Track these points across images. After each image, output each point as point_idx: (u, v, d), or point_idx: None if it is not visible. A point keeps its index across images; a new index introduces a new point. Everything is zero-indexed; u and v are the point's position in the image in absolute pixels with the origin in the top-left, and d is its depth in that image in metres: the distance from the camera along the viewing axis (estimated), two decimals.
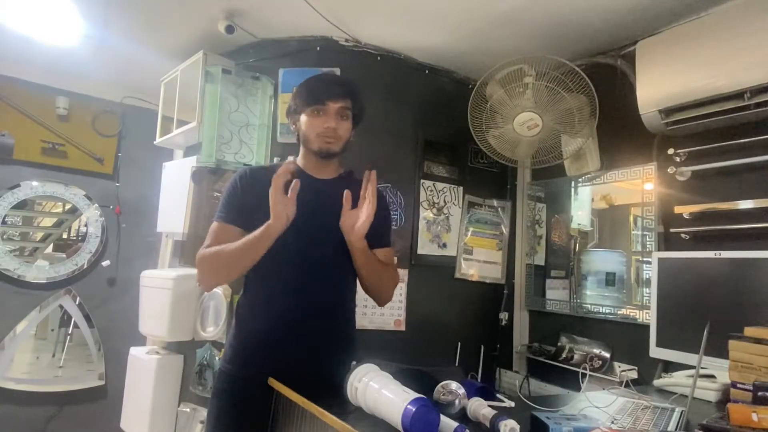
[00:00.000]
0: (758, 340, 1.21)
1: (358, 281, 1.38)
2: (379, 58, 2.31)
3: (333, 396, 1.04)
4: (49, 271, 2.87)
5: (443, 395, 1.01)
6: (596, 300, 2.21)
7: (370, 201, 1.22)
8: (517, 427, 0.87)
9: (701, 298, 1.61)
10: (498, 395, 1.10)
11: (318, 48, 2.24)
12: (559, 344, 2.26)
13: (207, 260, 1.25)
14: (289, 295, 1.23)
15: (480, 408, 0.97)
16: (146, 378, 2.32)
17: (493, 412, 0.93)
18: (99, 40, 2.39)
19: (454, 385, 1.02)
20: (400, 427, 0.85)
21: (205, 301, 2.27)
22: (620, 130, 2.08)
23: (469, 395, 1.02)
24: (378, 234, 1.41)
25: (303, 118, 1.29)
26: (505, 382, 2.42)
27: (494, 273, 2.56)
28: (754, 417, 0.98)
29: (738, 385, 1.20)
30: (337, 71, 2.21)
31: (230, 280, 1.76)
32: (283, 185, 1.16)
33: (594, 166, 2.18)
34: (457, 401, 1.00)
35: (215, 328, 2.19)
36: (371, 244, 1.39)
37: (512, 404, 1.04)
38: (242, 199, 1.29)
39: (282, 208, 1.15)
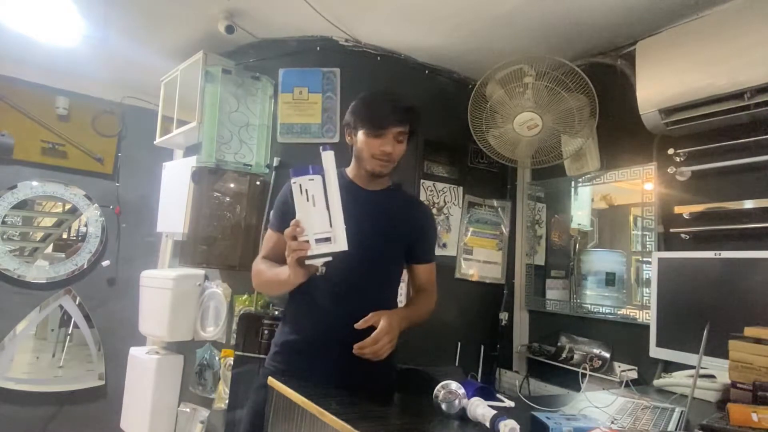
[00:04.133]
0: (758, 340, 1.21)
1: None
2: (379, 58, 2.31)
3: (370, 395, 1.06)
4: (49, 271, 2.87)
5: (443, 395, 1.01)
6: (596, 300, 2.21)
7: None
8: (517, 427, 0.87)
9: (701, 298, 1.61)
10: (498, 395, 1.10)
11: (318, 48, 2.24)
12: (559, 344, 2.26)
13: (253, 275, 1.34)
14: (335, 301, 1.25)
15: (480, 408, 0.97)
16: (146, 378, 2.32)
17: (493, 412, 0.93)
18: (99, 40, 2.39)
19: (453, 385, 1.02)
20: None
21: (205, 301, 2.27)
22: (620, 130, 2.08)
23: (469, 395, 1.02)
24: (424, 248, 1.44)
25: (360, 136, 1.29)
26: (505, 382, 2.42)
27: (494, 273, 2.56)
28: (754, 417, 0.98)
29: (738, 385, 1.20)
30: (337, 71, 2.22)
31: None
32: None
33: (594, 166, 2.18)
34: (457, 401, 1.00)
35: (215, 328, 2.19)
36: (415, 259, 1.43)
37: (512, 404, 1.04)
38: (291, 209, 1.30)
39: (294, 274, 1.12)
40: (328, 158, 1.07)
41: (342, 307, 1.26)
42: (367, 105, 1.30)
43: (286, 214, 1.32)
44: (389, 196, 1.39)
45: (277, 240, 1.34)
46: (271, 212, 1.38)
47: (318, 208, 1.03)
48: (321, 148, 1.09)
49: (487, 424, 0.92)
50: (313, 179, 1.02)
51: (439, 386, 1.02)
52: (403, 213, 1.40)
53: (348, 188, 1.35)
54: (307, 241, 1.04)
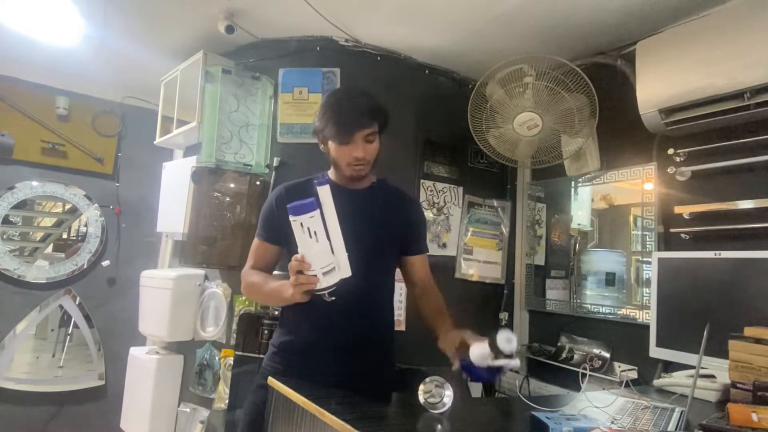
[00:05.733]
0: (758, 340, 1.21)
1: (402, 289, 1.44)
2: (379, 58, 2.31)
3: (369, 396, 1.07)
4: (49, 271, 2.87)
5: (431, 389, 1.02)
6: (596, 300, 2.21)
7: None
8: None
9: (701, 298, 1.61)
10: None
11: (318, 48, 2.24)
12: (559, 344, 2.26)
13: (246, 286, 1.35)
14: (332, 301, 1.25)
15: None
16: (146, 378, 2.32)
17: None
18: (99, 40, 2.39)
19: (436, 380, 1.03)
20: None
21: (205, 301, 2.27)
22: (620, 130, 2.08)
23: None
24: (414, 240, 1.45)
25: (331, 145, 1.30)
26: (505, 382, 2.42)
27: (494, 273, 2.55)
28: (754, 417, 0.98)
29: (738, 385, 1.20)
30: (338, 71, 2.22)
31: None
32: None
33: (594, 166, 2.18)
34: (439, 395, 1.00)
35: (215, 328, 2.19)
36: (407, 251, 1.43)
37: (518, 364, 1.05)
38: (278, 219, 1.33)
39: (300, 298, 1.12)
40: (324, 192, 1.10)
41: (340, 307, 1.26)
42: (330, 113, 1.28)
43: (273, 224, 1.35)
44: (375, 193, 1.39)
45: (265, 250, 1.36)
46: (259, 221, 1.39)
47: (321, 242, 1.05)
48: (316, 182, 1.11)
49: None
50: (313, 216, 1.03)
51: (425, 381, 1.03)
52: (390, 208, 1.41)
53: (333, 190, 1.36)
54: (315, 275, 1.06)
